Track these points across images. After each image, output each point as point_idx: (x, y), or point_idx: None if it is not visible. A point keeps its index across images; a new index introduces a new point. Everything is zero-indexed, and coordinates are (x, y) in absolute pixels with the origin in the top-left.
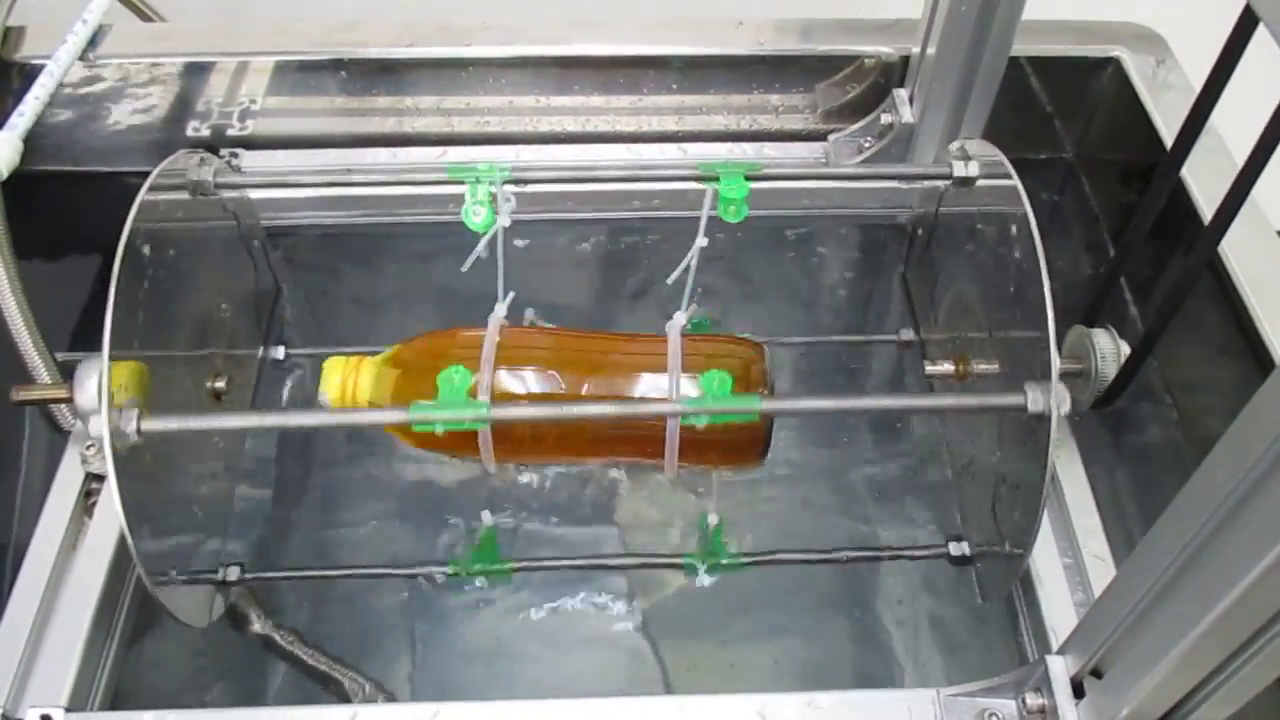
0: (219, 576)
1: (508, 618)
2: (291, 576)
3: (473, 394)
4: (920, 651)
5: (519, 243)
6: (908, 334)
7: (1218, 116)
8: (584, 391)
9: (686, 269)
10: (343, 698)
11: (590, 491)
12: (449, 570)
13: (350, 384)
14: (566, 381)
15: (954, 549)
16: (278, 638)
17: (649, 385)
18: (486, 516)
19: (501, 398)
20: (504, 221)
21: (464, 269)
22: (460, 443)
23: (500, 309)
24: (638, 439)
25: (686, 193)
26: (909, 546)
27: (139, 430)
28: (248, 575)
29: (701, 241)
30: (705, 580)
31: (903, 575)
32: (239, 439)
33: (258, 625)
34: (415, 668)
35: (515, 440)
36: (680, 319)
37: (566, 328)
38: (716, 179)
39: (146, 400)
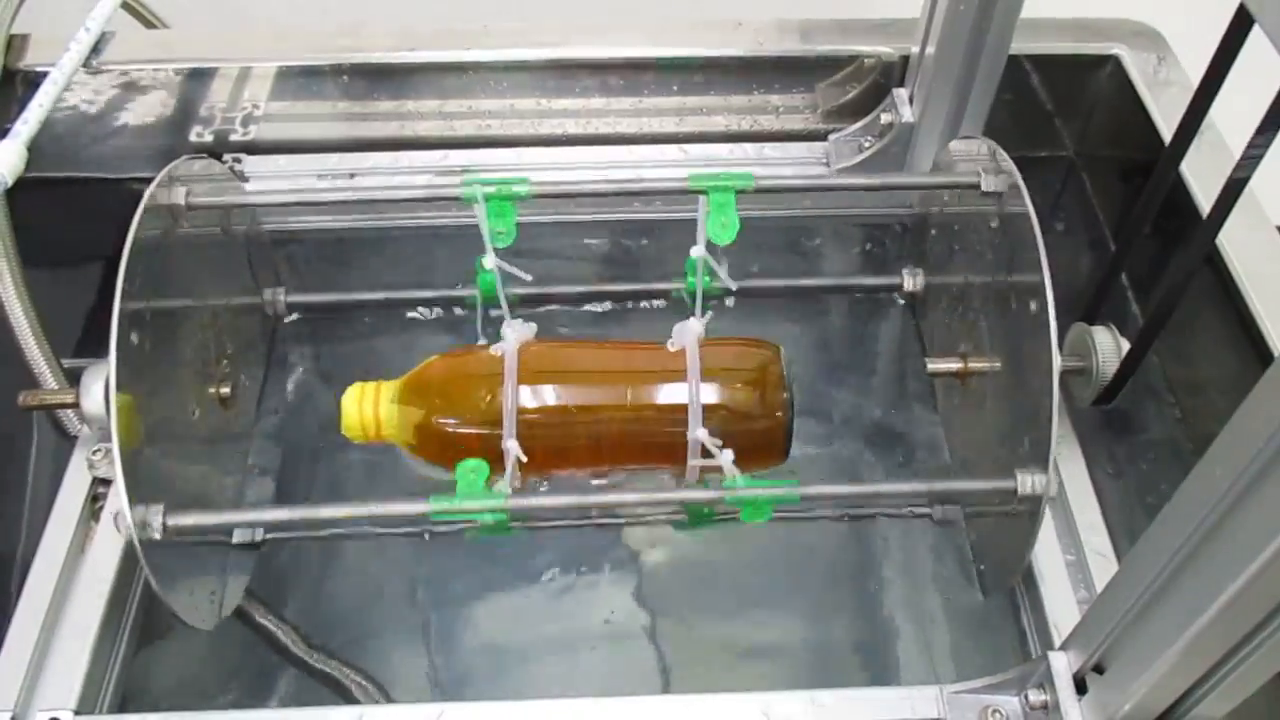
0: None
1: (514, 602)
2: (228, 523)
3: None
4: (924, 648)
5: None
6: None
7: (1220, 114)
8: (606, 404)
9: (701, 273)
10: (348, 699)
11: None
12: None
13: (370, 413)
14: (588, 397)
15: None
16: (283, 638)
17: (671, 395)
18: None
19: (525, 417)
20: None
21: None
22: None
23: (510, 333)
24: (660, 448)
25: (686, 195)
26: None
27: (164, 526)
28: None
29: (699, 250)
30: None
31: (905, 572)
32: (244, 445)
33: (265, 626)
34: (429, 664)
35: (538, 456)
36: (696, 325)
37: (580, 340)
38: (705, 192)
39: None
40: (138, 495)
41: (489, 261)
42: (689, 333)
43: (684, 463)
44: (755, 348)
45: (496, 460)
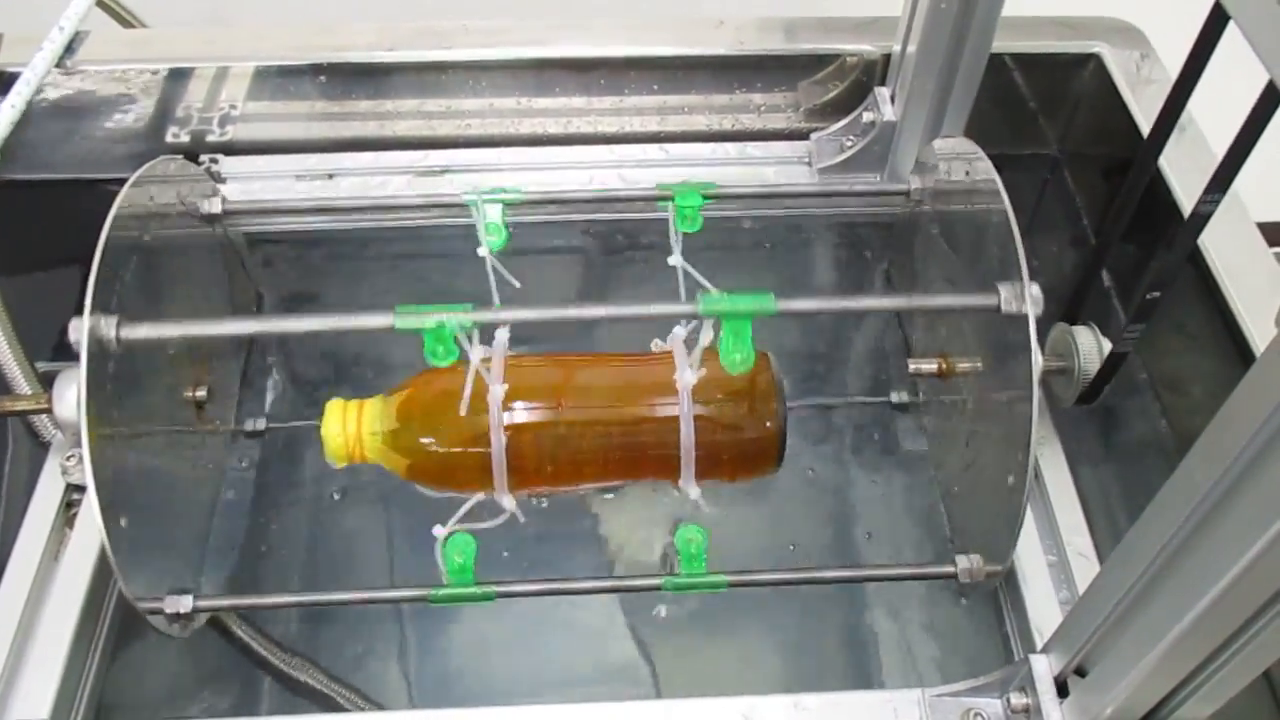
0: (189, 607)
1: (495, 614)
2: (251, 606)
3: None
4: (907, 651)
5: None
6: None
7: (1201, 111)
8: (596, 420)
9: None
10: (325, 707)
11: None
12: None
13: (354, 431)
14: (578, 413)
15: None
16: (258, 648)
17: (662, 411)
18: (438, 531)
19: (514, 436)
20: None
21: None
22: (467, 478)
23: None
24: (653, 458)
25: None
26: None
27: (118, 339)
28: (202, 605)
29: (676, 259)
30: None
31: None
32: (220, 445)
33: (239, 634)
34: (404, 663)
35: (529, 471)
36: (680, 332)
37: (565, 354)
38: (673, 198)
39: None
40: (109, 497)
41: (484, 252)
42: (673, 338)
43: (676, 474)
44: None
45: (482, 477)
